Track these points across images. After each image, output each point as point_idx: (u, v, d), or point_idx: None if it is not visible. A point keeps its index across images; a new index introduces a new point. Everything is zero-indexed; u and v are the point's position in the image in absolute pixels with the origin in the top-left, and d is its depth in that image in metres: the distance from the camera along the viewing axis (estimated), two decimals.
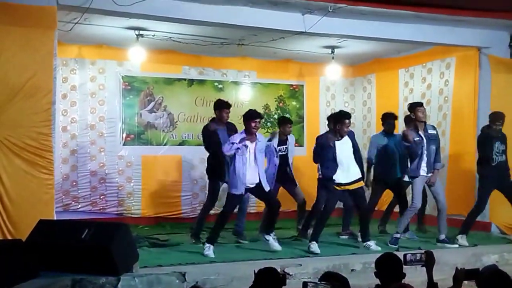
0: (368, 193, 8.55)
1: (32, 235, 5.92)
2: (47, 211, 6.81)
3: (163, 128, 10.77)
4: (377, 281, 4.02)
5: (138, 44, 9.46)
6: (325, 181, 7.72)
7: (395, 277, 3.93)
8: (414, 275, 4.51)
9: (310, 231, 8.53)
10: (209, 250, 7.19)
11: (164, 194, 10.63)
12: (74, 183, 10.10)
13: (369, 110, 11.91)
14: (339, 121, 7.57)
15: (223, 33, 9.22)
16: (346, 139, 7.63)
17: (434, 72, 10.55)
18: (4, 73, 6.72)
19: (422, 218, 9.17)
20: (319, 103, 12.04)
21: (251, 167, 7.32)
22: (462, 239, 8.07)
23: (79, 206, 10.10)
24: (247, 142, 7.29)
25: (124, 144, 10.48)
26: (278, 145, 8.58)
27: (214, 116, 8.33)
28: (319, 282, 3.52)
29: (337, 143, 7.55)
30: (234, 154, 7.26)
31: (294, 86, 11.89)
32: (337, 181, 7.52)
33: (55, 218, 7.04)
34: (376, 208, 9.18)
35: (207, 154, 8.37)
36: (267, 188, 7.47)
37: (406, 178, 8.40)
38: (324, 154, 7.60)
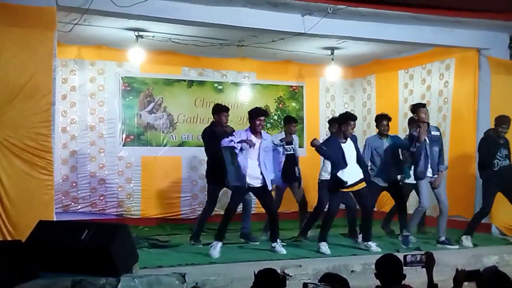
0: None
1: (32, 236, 5.91)
2: (46, 212, 6.81)
3: (163, 129, 10.77)
4: (377, 282, 4.02)
5: (137, 45, 9.46)
6: (333, 183, 7.69)
7: (395, 278, 3.93)
8: (414, 276, 4.51)
9: (310, 233, 8.54)
10: (214, 249, 7.19)
11: (163, 195, 10.63)
12: (74, 184, 10.10)
13: (369, 111, 11.91)
14: (344, 122, 7.59)
15: (222, 34, 9.22)
16: (349, 142, 7.64)
17: (434, 73, 10.56)
18: (3, 73, 6.71)
19: (422, 219, 9.15)
20: (319, 104, 12.05)
21: (255, 164, 7.34)
22: (466, 240, 8.07)
23: (79, 207, 10.09)
24: (252, 138, 7.32)
25: (123, 145, 10.48)
26: (286, 145, 8.61)
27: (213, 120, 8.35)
28: (319, 284, 3.51)
29: (342, 145, 7.57)
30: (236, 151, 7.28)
31: (294, 87, 11.89)
32: (345, 181, 7.53)
33: (54, 219, 7.04)
34: (375, 209, 9.16)
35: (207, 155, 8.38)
36: (270, 187, 7.49)
37: (410, 180, 8.42)
38: (334, 155, 7.59)
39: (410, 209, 9.07)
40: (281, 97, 11.73)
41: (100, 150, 10.32)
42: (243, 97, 11.32)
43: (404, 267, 3.99)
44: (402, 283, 3.92)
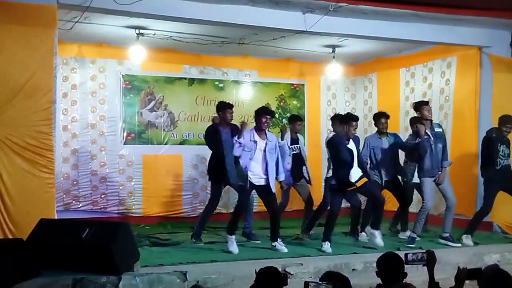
0: None
1: (33, 234, 5.92)
2: (48, 210, 6.81)
3: (164, 127, 10.76)
4: (379, 281, 4.01)
5: (138, 43, 9.45)
6: (340, 184, 7.68)
7: (396, 276, 3.93)
8: (416, 274, 4.51)
9: (312, 231, 8.54)
10: (232, 244, 7.32)
11: (165, 193, 10.63)
12: (75, 182, 10.09)
13: (370, 110, 11.88)
14: (346, 123, 7.58)
15: (223, 32, 9.21)
16: (352, 143, 7.63)
17: (435, 71, 10.54)
18: (4, 72, 6.71)
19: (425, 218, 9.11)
20: (320, 102, 12.03)
21: (259, 164, 7.37)
22: (467, 239, 8.06)
23: (80, 205, 10.09)
24: (257, 138, 7.37)
25: (124, 143, 10.48)
26: (290, 144, 8.60)
27: (215, 116, 8.33)
28: (320, 282, 3.51)
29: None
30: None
31: (295, 85, 11.88)
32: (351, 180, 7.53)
33: (56, 217, 7.04)
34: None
35: (209, 153, 8.38)
36: (273, 187, 7.51)
37: (414, 179, 8.42)
38: (340, 154, 7.57)
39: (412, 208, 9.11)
40: (282, 95, 11.72)
41: (101, 148, 10.32)
42: (244, 95, 11.30)
43: (405, 265, 3.99)
44: (403, 281, 3.92)
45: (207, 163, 8.57)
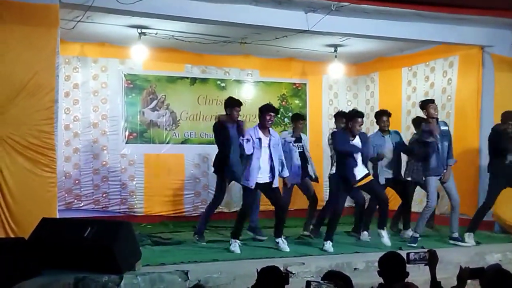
0: None
1: (35, 234, 5.92)
2: (49, 209, 6.82)
3: (166, 126, 10.76)
4: (380, 280, 4.02)
5: (140, 42, 9.46)
6: (340, 179, 7.69)
7: (398, 276, 3.93)
8: (417, 274, 4.49)
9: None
10: (235, 246, 7.31)
11: (166, 193, 10.62)
12: (77, 181, 10.09)
13: (372, 109, 11.85)
14: (351, 119, 7.56)
15: (226, 31, 9.21)
16: (357, 139, 7.59)
17: (437, 70, 10.53)
18: (7, 71, 6.72)
19: (432, 216, 9.08)
20: (322, 101, 12.03)
21: (264, 161, 7.38)
22: (469, 238, 8.05)
23: (82, 204, 10.10)
24: (261, 135, 7.37)
25: (126, 143, 10.48)
26: (294, 142, 8.61)
27: (221, 114, 8.32)
28: (322, 282, 3.51)
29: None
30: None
31: (297, 85, 11.87)
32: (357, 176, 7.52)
33: (57, 216, 7.05)
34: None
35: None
36: (276, 184, 7.52)
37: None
38: (339, 148, 7.58)
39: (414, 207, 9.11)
40: (284, 95, 11.72)
41: (103, 147, 10.32)
42: (246, 94, 11.28)
43: (407, 265, 3.98)
44: (405, 281, 3.92)
45: (213, 158, 8.52)
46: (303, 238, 8.41)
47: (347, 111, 8.52)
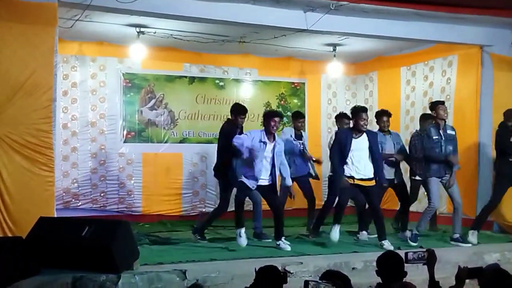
0: None
1: (33, 233, 5.91)
2: (47, 208, 6.79)
3: (164, 125, 10.75)
4: (379, 280, 4.01)
5: (139, 41, 9.44)
6: (335, 178, 7.68)
7: (396, 275, 3.92)
8: (416, 273, 4.49)
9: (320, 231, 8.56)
10: (241, 237, 7.31)
11: (164, 192, 10.62)
12: (75, 181, 10.09)
13: (371, 108, 11.80)
14: (355, 115, 7.51)
15: (224, 30, 9.21)
16: (364, 137, 7.52)
17: (436, 70, 10.53)
18: (4, 70, 6.70)
19: (434, 217, 9.06)
20: (321, 101, 12.02)
21: (265, 167, 7.36)
22: (473, 236, 8.03)
23: (80, 203, 10.09)
24: (266, 140, 7.34)
25: (124, 142, 10.47)
26: (294, 140, 8.64)
27: (225, 116, 8.31)
28: (320, 281, 3.50)
29: (354, 140, 7.49)
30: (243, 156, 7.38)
31: (296, 84, 11.86)
32: (348, 174, 7.47)
33: (55, 216, 7.02)
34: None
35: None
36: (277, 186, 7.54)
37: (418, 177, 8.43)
38: (338, 149, 7.56)
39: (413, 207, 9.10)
40: (282, 94, 11.71)
41: (101, 146, 10.31)
42: (244, 93, 11.29)
43: (405, 264, 3.98)
44: (404, 280, 3.91)
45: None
46: (303, 238, 8.40)
47: (346, 111, 8.52)
